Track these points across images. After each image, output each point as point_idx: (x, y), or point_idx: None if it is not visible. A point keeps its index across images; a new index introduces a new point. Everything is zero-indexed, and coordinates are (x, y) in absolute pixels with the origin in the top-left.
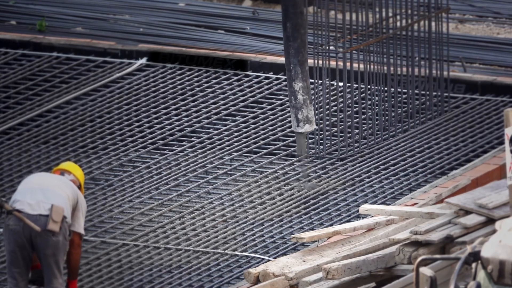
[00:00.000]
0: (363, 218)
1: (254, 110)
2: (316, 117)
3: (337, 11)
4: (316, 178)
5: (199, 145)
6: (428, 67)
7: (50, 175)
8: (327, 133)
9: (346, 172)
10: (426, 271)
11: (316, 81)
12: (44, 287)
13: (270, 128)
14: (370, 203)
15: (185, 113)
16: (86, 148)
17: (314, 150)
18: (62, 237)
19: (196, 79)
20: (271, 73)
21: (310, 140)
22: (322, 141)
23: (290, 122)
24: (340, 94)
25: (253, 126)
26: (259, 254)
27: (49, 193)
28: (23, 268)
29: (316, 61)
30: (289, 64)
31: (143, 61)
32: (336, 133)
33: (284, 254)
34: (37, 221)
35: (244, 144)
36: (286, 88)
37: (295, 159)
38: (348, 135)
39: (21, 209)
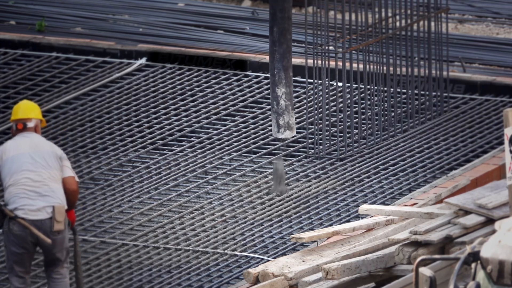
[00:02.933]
0: (362, 218)
1: (254, 110)
2: (316, 117)
3: (336, 11)
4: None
5: (199, 145)
6: (428, 67)
7: (27, 153)
8: (326, 133)
9: (345, 172)
10: (426, 271)
11: (315, 81)
12: (51, 276)
13: (270, 128)
14: (369, 203)
15: (184, 113)
16: (86, 148)
17: (313, 150)
18: (65, 230)
19: (195, 79)
20: None
21: (310, 140)
22: (321, 141)
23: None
24: (339, 94)
25: (252, 126)
26: (258, 254)
27: (46, 193)
28: (28, 268)
29: (315, 61)
30: (274, 69)
31: (142, 61)
32: (336, 133)
33: (284, 254)
34: (42, 226)
35: (243, 144)
36: None
37: (294, 159)
38: (348, 135)
39: (25, 218)
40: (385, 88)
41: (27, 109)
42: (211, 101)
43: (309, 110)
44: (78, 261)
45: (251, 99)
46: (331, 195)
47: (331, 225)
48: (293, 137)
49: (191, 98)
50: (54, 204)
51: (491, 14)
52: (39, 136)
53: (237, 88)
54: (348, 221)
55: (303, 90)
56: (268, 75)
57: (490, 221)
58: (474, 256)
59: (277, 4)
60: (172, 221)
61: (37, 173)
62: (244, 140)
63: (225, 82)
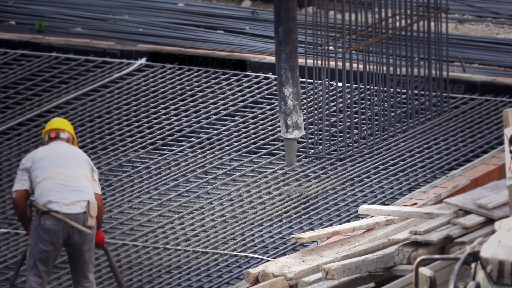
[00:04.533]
0: (362, 218)
1: (254, 110)
2: (316, 117)
3: (336, 11)
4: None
5: (198, 146)
6: (428, 67)
7: (60, 153)
8: (326, 133)
9: (345, 172)
10: (426, 271)
11: (315, 81)
12: (81, 283)
13: (270, 128)
14: (369, 203)
15: (184, 113)
16: (86, 149)
17: (313, 150)
18: (95, 229)
19: (195, 79)
20: (270, 73)
21: (310, 140)
22: (321, 142)
23: None
24: (339, 94)
25: (252, 126)
26: (258, 254)
27: (79, 189)
28: (50, 268)
29: (315, 61)
30: (280, 69)
31: (142, 61)
32: (336, 134)
33: (284, 254)
34: (76, 220)
35: (243, 145)
36: None
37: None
38: (348, 135)
39: (59, 210)
40: (385, 88)
41: (62, 123)
42: (211, 101)
43: (309, 110)
44: (118, 275)
45: (251, 99)
46: (331, 195)
47: (331, 225)
48: (301, 137)
49: (191, 98)
50: (88, 199)
51: (491, 14)
52: (72, 145)
53: (237, 88)
54: (348, 221)
55: (303, 90)
56: (268, 75)
57: (490, 221)
58: (474, 256)
59: (281, 5)
60: (172, 221)
61: (69, 169)
62: (244, 140)
63: (225, 82)
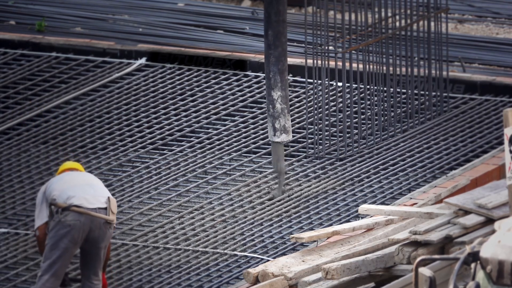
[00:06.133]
0: (362, 218)
1: (253, 110)
2: (316, 117)
3: (336, 11)
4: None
5: (198, 145)
6: (428, 67)
7: (76, 173)
8: (326, 133)
9: (345, 172)
10: (425, 271)
11: (315, 81)
12: (90, 280)
13: None
14: (369, 203)
15: (184, 113)
16: (85, 148)
17: (313, 150)
18: (113, 229)
19: (195, 79)
20: None
21: (310, 140)
22: (321, 141)
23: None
24: (339, 94)
25: (252, 126)
26: (258, 254)
27: (97, 187)
28: (66, 268)
29: (315, 61)
30: (269, 73)
31: (142, 61)
32: (336, 133)
33: (283, 254)
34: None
35: (243, 144)
36: None
37: (294, 159)
38: (348, 135)
39: (80, 204)
40: (385, 88)
41: (75, 164)
42: (211, 101)
43: (309, 110)
44: None
45: (250, 99)
46: (331, 195)
47: (331, 225)
48: (289, 141)
49: (190, 98)
50: (108, 195)
51: (491, 14)
52: None
53: (237, 88)
54: (348, 221)
55: (303, 90)
56: None
57: (489, 221)
58: (474, 256)
59: (271, 7)
60: (171, 221)
61: (85, 175)
62: (244, 140)
63: (225, 82)
